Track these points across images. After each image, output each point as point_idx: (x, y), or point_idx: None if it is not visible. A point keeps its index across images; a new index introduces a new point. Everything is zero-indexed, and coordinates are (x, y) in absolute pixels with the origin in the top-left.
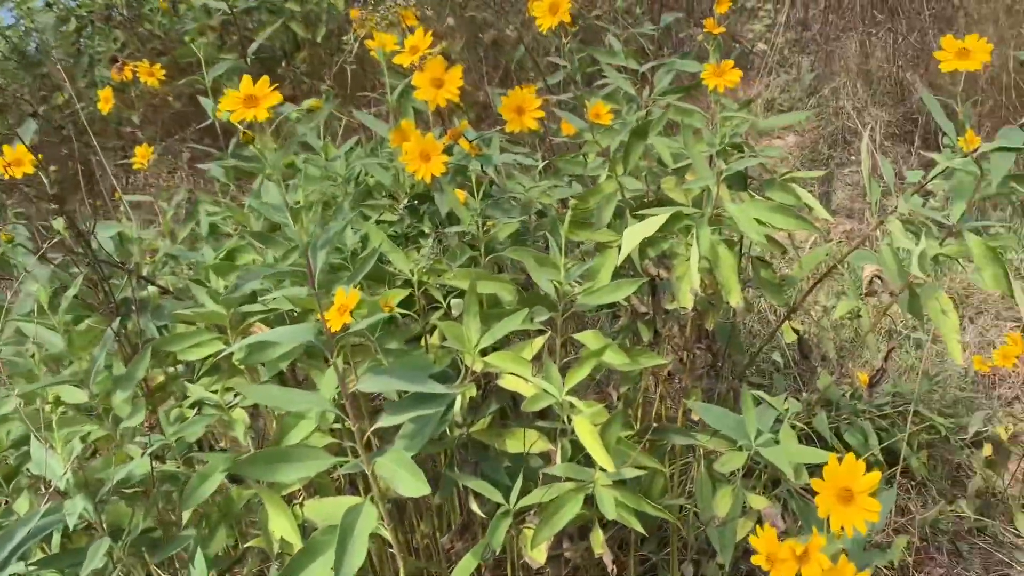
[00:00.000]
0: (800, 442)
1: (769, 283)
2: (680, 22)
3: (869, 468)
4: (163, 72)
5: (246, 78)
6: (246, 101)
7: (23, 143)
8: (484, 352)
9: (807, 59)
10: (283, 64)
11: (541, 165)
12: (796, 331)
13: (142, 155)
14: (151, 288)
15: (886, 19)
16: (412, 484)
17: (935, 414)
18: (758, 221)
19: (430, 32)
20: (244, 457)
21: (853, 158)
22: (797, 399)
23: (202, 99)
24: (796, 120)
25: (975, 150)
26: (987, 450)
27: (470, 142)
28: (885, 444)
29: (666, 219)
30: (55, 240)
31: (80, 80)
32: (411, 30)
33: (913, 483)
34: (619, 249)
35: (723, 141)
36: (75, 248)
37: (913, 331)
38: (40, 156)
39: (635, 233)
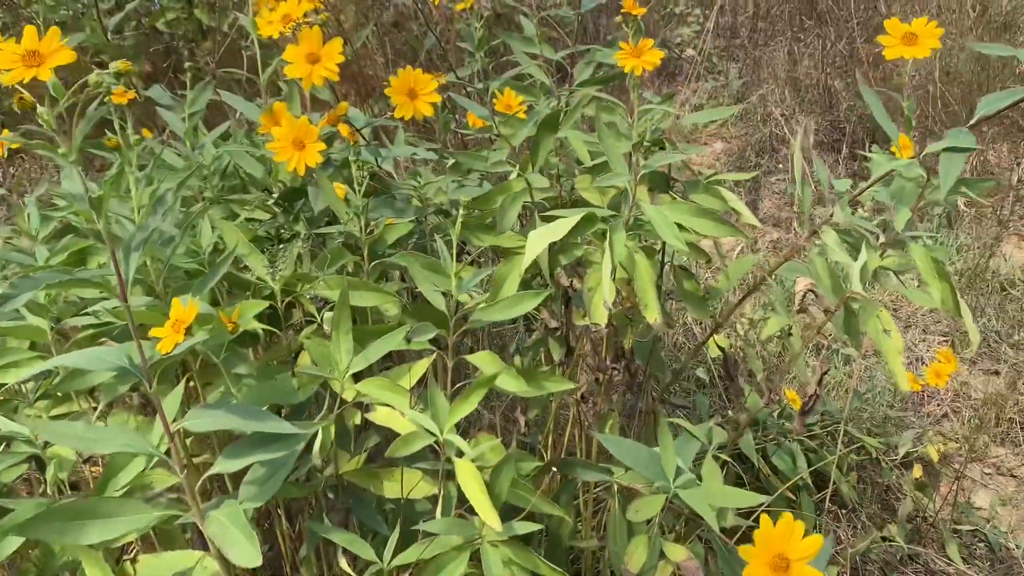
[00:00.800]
0: (726, 467)
1: (692, 296)
2: (602, 11)
3: (797, 493)
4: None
5: (29, 30)
6: (26, 58)
7: None
8: (358, 376)
9: (735, 66)
10: (187, 54)
11: (448, 161)
12: (721, 348)
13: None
14: None
15: (814, 26)
16: (245, 550)
17: (865, 434)
18: (679, 226)
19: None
20: (38, 513)
21: (781, 166)
22: (723, 418)
23: None
24: (722, 116)
25: (922, 152)
26: (917, 471)
27: (355, 129)
28: (814, 467)
29: (577, 222)
30: None
31: None
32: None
33: (843, 510)
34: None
35: (643, 136)
36: None
37: (843, 346)
38: None
39: (541, 237)
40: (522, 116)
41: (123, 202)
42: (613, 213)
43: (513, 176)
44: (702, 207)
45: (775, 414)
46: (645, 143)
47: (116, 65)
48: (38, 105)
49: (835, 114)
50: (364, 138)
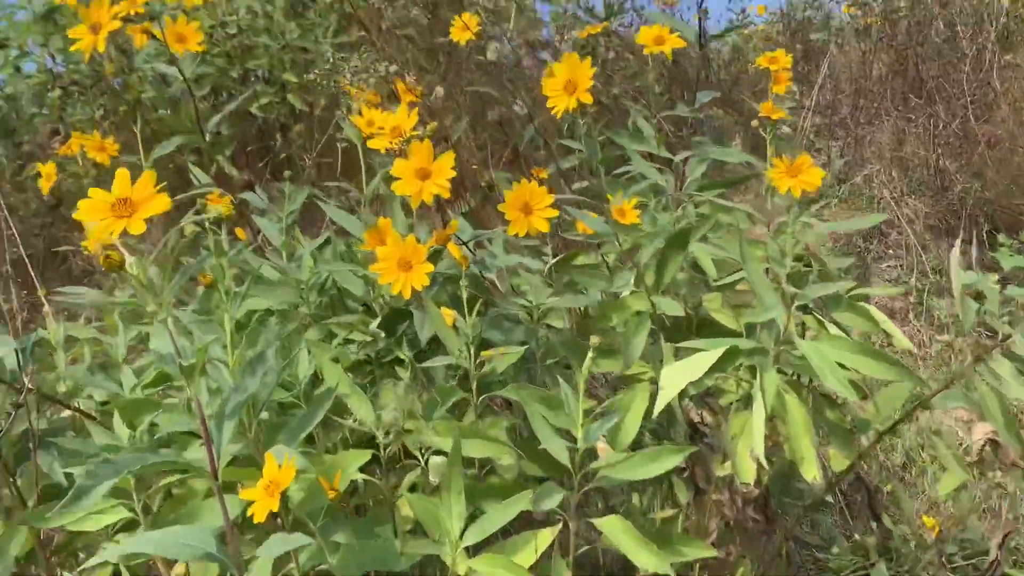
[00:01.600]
0: None
1: (838, 428)
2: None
3: None
4: (117, 147)
5: (121, 174)
6: (117, 207)
7: None
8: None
9: (836, 144)
10: (279, 137)
11: (550, 263)
12: (861, 477)
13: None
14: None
15: (922, 104)
16: None
17: (1017, 569)
18: (840, 365)
19: (415, 110)
20: None
21: (891, 251)
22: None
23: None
24: (864, 226)
25: None
26: None
27: (464, 243)
28: None
29: (718, 357)
30: None
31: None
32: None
33: None
34: (651, 384)
35: (789, 256)
36: None
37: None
38: None
39: (677, 375)
40: (635, 219)
41: (212, 320)
42: (758, 345)
43: (628, 291)
44: (867, 345)
45: (911, 543)
46: (793, 265)
47: (216, 209)
48: (127, 258)
49: (948, 197)
50: (471, 250)
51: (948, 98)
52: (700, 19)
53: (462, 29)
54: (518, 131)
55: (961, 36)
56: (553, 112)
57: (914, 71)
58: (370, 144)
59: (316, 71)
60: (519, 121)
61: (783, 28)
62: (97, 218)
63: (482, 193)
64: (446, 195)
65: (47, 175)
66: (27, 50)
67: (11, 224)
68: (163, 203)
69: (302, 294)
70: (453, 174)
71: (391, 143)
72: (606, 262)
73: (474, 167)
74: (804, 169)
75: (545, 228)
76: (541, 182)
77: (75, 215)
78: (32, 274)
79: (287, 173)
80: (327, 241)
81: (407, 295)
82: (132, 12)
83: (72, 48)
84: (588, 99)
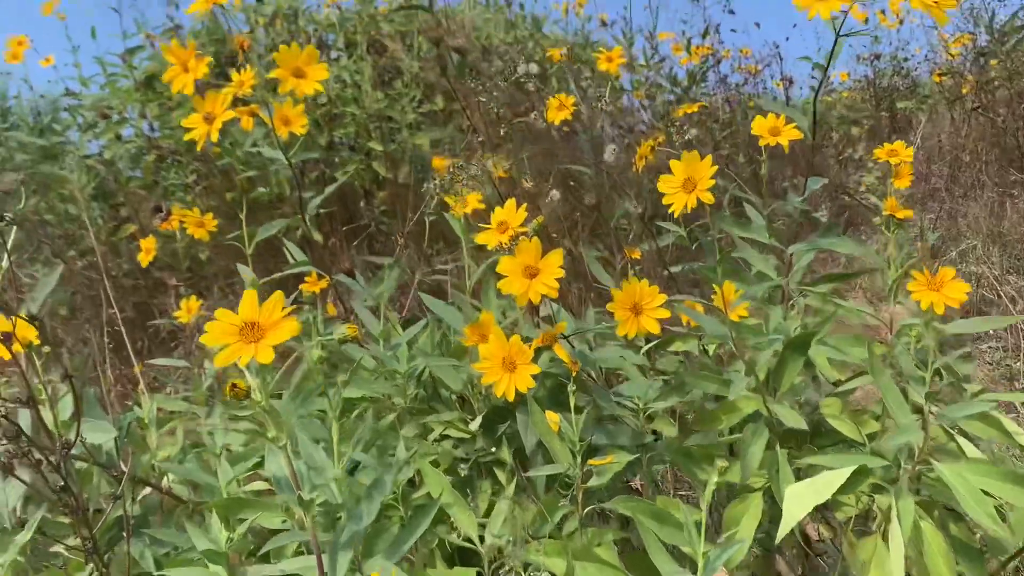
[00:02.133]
0: None
1: (967, 548)
2: (823, 190)
3: None
4: (215, 223)
5: (249, 296)
6: (244, 331)
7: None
8: None
9: (928, 217)
10: (363, 203)
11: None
12: None
13: (188, 309)
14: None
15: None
16: None
17: None
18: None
19: (523, 205)
20: None
21: (991, 332)
22: None
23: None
24: (995, 327)
25: None
26: None
27: (565, 339)
28: None
29: (847, 478)
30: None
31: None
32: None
33: None
34: (763, 495)
35: (929, 374)
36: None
37: None
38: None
39: (804, 496)
40: (743, 312)
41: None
42: (890, 465)
43: (740, 392)
44: (1015, 472)
45: None
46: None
47: (342, 331)
48: (251, 386)
49: None
50: (572, 345)
51: None
52: (785, 89)
53: (558, 108)
54: (610, 212)
55: None
56: (671, 211)
57: (1013, 142)
58: (477, 239)
59: (436, 180)
60: (615, 205)
61: (868, 95)
62: (224, 343)
63: (567, 264)
64: (554, 295)
65: (147, 249)
66: (126, 116)
67: (107, 286)
68: (292, 328)
69: (398, 385)
70: (561, 273)
71: (499, 241)
72: (705, 350)
73: (554, 235)
74: (947, 282)
75: (656, 330)
76: (634, 263)
77: (202, 339)
78: (124, 337)
79: (387, 264)
80: (424, 325)
81: (511, 397)
82: (240, 95)
83: (186, 137)
84: (709, 199)
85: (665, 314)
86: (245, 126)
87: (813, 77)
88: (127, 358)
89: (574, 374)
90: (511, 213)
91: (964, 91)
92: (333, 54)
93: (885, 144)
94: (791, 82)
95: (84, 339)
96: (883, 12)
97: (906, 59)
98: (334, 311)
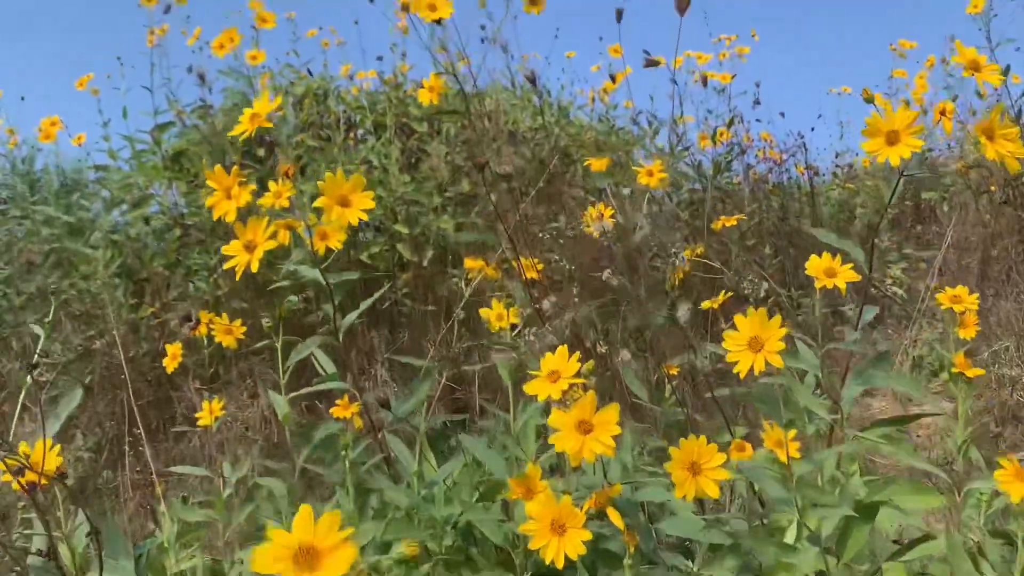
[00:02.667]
0: None
1: None
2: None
3: None
4: (243, 330)
5: (304, 513)
6: (299, 558)
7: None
8: None
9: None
10: (387, 285)
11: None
12: None
13: (209, 412)
14: None
15: None
16: None
17: None
18: None
19: (576, 354)
20: None
21: None
22: None
23: None
24: None
25: None
26: None
27: (615, 506)
28: None
29: None
30: None
31: (173, 291)
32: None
33: None
34: None
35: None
36: None
37: None
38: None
39: None
40: (795, 454)
41: None
42: None
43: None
44: None
45: None
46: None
47: (400, 551)
48: None
49: None
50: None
51: None
52: (811, 180)
53: (597, 218)
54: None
55: None
56: (735, 371)
57: None
58: (527, 389)
59: (497, 343)
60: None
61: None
62: (275, 570)
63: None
64: (610, 454)
65: (173, 355)
66: (151, 192)
67: (125, 370)
68: (350, 556)
69: (434, 532)
70: (618, 430)
71: (552, 393)
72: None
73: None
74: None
75: (715, 493)
76: (671, 378)
77: (252, 567)
78: (139, 422)
79: (395, 326)
80: (463, 466)
81: (560, 564)
82: (277, 206)
83: (226, 266)
84: (779, 362)
85: (725, 475)
86: (282, 239)
87: (837, 165)
88: (140, 436)
89: (631, 550)
90: (562, 362)
91: (992, 187)
92: (360, 132)
93: (947, 289)
94: (817, 171)
95: (99, 422)
96: (906, 101)
97: (929, 150)
98: (360, 425)
